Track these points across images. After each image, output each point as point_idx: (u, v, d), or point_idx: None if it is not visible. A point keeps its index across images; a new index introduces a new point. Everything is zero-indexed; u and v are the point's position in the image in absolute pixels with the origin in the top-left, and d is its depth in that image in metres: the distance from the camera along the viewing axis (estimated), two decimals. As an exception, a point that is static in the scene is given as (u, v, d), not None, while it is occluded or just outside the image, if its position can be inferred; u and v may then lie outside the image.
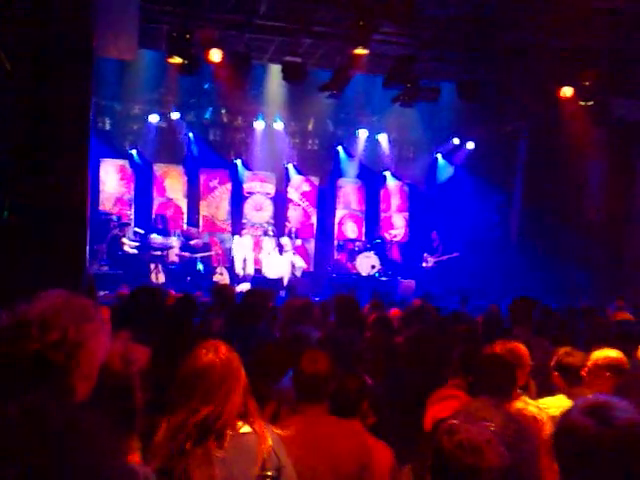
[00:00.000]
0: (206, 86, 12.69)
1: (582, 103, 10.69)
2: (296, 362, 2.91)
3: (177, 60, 9.17)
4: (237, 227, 13.83)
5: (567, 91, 10.75)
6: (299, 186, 14.52)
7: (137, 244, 12.05)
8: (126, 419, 1.78)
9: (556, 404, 3.40)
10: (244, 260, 12.87)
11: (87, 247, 4.37)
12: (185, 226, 13.39)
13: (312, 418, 2.78)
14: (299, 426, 2.75)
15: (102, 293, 9.03)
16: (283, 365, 3.24)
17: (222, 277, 12.41)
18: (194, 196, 13.80)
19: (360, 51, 9.38)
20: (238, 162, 13.94)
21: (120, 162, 13.19)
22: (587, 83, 10.46)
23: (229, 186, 13.97)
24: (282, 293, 10.87)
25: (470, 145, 14.47)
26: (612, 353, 3.64)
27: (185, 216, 13.68)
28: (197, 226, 13.50)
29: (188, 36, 8.89)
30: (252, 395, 2.30)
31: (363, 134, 14.29)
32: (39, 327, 1.38)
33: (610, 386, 3.43)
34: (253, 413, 2.26)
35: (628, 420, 1.57)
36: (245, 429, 2.23)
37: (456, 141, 14.54)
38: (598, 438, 1.55)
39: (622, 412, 1.59)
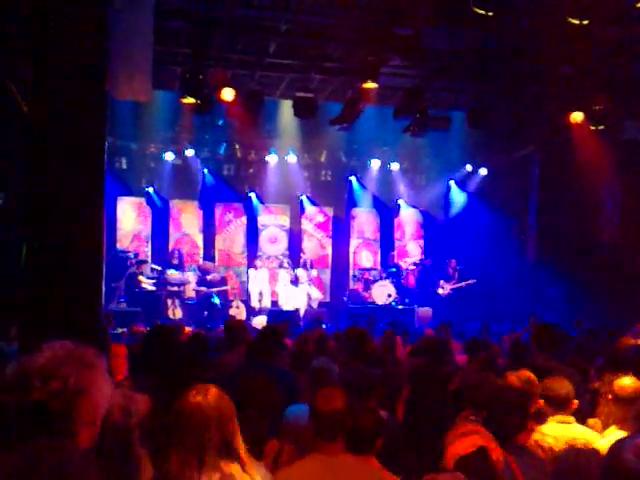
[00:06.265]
0: (220, 122, 12.89)
1: (593, 127, 10.72)
2: (313, 399, 2.92)
3: (190, 100, 9.38)
4: (252, 260, 13.90)
5: (577, 116, 10.79)
6: (313, 217, 14.62)
7: (154, 281, 12.15)
8: (125, 471, 1.80)
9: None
10: (260, 293, 12.91)
11: (103, 285, 4.44)
12: (201, 261, 13.48)
13: (328, 456, 2.79)
14: (315, 464, 2.78)
15: (120, 330, 9.12)
16: (278, 400, 3.21)
17: (238, 310, 12.44)
18: (210, 231, 13.94)
19: (369, 85, 9.55)
20: (252, 195, 14.08)
21: (137, 200, 13.40)
22: (597, 108, 10.50)
23: (244, 219, 14.11)
24: (301, 324, 10.89)
25: (483, 171, 14.49)
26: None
27: (201, 251, 13.80)
28: (213, 260, 13.59)
29: (201, 77, 9.09)
30: (248, 434, 2.29)
31: (375, 164, 14.36)
32: (40, 377, 1.43)
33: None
34: (243, 455, 2.23)
35: None
36: (234, 469, 2.20)
37: (469, 168, 14.57)
38: None
39: None
